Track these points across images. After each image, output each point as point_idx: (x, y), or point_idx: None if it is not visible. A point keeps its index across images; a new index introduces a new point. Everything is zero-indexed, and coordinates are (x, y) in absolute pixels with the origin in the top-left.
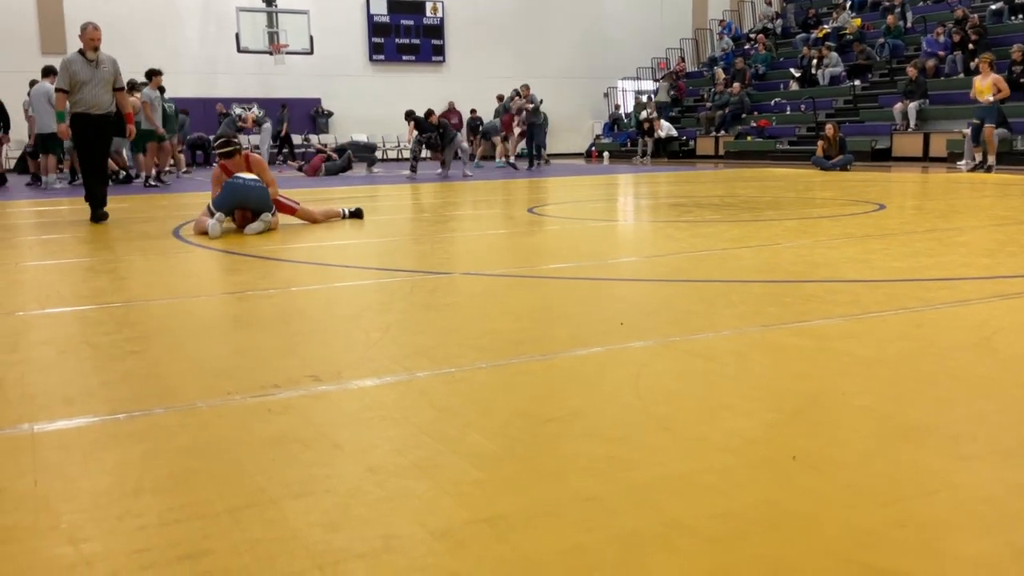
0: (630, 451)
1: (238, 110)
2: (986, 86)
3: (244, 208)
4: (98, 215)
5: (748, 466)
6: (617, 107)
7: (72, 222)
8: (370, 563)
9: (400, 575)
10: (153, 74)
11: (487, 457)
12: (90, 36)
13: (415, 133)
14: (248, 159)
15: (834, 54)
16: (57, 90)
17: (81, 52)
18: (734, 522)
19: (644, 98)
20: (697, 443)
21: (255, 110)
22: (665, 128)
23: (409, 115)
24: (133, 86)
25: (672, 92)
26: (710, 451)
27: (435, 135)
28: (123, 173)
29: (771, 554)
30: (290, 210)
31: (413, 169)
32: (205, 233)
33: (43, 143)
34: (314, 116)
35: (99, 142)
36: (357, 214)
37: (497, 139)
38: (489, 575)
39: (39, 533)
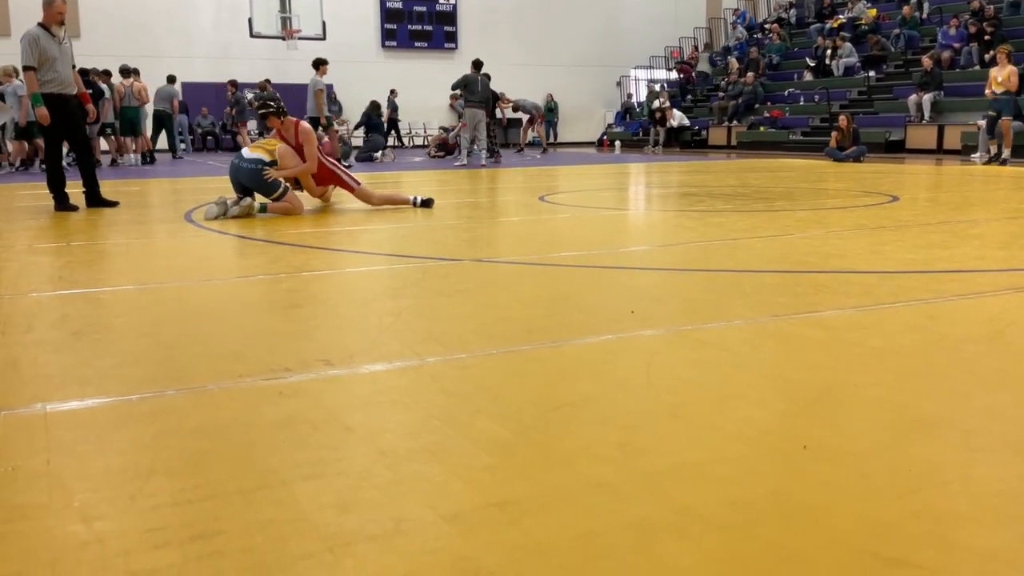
0: (642, 439)
1: (250, 95)
2: (1004, 77)
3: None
4: (68, 205)
5: (760, 455)
6: (629, 96)
7: (84, 206)
8: (381, 545)
9: (411, 558)
10: (320, 63)
11: (498, 442)
12: (59, 10)
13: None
14: (298, 127)
15: (849, 44)
16: (26, 68)
17: (43, 26)
18: (746, 511)
19: (657, 87)
20: (709, 432)
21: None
22: (677, 117)
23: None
24: (127, 71)
25: (715, 66)
26: (722, 440)
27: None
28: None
29: (783, 543)
30: (348, 187)
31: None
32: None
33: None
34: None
35: (77, 122)
36: (428, 204)
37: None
38: (500, 559)
39: (52, 511)
